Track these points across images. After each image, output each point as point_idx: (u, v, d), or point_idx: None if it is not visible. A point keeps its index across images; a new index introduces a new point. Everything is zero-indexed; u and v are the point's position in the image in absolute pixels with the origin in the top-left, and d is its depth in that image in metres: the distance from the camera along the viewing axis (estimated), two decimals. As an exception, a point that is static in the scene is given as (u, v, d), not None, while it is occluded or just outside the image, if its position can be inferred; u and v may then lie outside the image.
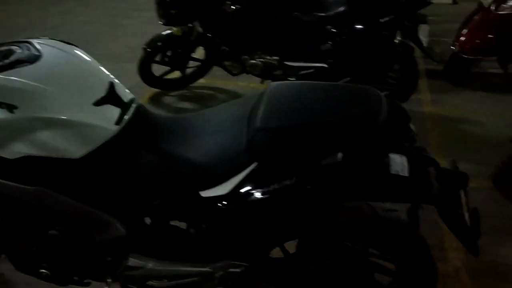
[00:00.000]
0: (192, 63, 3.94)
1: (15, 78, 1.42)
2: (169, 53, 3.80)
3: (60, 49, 1.57)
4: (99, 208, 1.58)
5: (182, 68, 3.88)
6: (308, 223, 1.56)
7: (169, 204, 1.54)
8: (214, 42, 3.62)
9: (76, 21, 6.01)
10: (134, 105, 1.59)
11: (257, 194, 1.41)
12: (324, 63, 3.42)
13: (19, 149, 1.46)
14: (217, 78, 4.15)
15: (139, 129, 1.54)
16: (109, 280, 1.78)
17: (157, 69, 3.91)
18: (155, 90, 4.02)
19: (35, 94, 1.42)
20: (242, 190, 1.43)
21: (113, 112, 1.50)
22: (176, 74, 3.96)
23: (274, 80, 3.66)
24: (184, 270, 1.60)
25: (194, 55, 3.89)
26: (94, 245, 1.66)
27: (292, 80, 3.53)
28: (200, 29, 3.59)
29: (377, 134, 1.41)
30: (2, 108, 1.38)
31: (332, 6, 3.38)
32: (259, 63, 3.55)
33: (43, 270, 1.73)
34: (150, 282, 1.67)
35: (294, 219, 1.54)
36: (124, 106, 1.55)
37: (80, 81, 1.52)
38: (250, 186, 1.43)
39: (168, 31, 3.73)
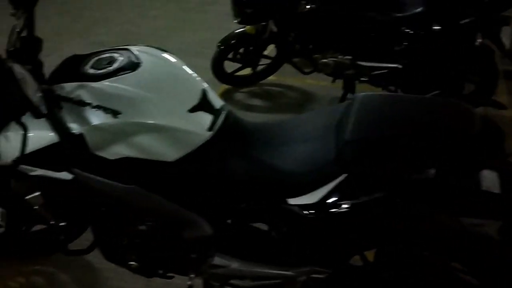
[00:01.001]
0: (262, 61, 3.99)
1: (119, 85, 1.51)
2: (241, 51, 3.86)
3: (157, 56, 1.66)
4: (188, 208, 1.66)
5: (253, 66, 3.94)
6: (392, 233, 1.57)
7: (254, 208, 1.59)
8: (286, 41, 3.65)
9: (148, 15, 6.19)
10: (224, 112, 1.65)
11: (346, 205, 1.44)
12: (398, 64, 3.37)
13: (119, 150, 1.55)
14: (286, 76, 4.18)
15: (229, 135, 1.60)
16: (192, 275, 1.87)
17: (229, 66, 3.99)
18: (226, 86, 4.10)
19: (136, 100, 1.51)
20: (331, 200, 1.46)
21: (206, 118, 1.57)
22: (246, 71, 4.03)
23: (345, 80, 3.66)
24: (268, 272, 1.65)
25: (265, 53, 3.94)
26: (182, 242, 1.74)
27: (364, 79, 3.52)
28: (274, 28, 3.62)
29: (469, 150, 1.40)
30: (107, 113, 1.48)
31: (409, 6, 3.32)
32: (331, 62, 3.55)
33: (133, 262, 1.83)
34: (233, 281, 1.74)
35: (379, 229, 1.55)
36: (215, 112, 1.62)
37: (176, 88, 1.60)
38: (339, 197, 1.46)
39: (241, 29, 3.79)
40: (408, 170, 1.41)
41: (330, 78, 3.71)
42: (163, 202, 1.65)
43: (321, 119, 1.60)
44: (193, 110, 1.55)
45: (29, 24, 1.68)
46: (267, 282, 1.68)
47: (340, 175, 1.44)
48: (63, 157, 1.61)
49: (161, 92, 1.56)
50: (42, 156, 1.60)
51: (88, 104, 1.49)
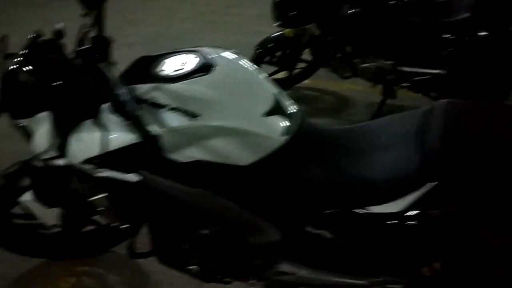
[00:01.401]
0: (298, 64, 3.96)
1: (196, 87, 1.49)
2: (278, 54, 3.84)
3: (228, 59, 1.63)
4: (257, 213, 1.63)
5: (290, 69, 3.91)
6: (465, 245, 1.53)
7: (327, 216, 1.56)
8: (326, 44, 3.62)
9: (175, 17, 6.19)
10: (299, 116, 1.62)
11: (433, 215, 1.40)
12: (442, 69, 3.33)
13: (193, 153, 1.53)
14: (321, 79, 4.15)
15: (304, 140, 1.57)
16: (252, 281, 1.84)
17: (265, 69, 3.96)
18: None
19: (214, 103, 1.49)
20: (416, 209, 1.42)
21: (280, 123, 1.55)
22: (282, 74, 4.00)
23: (385, 85, 3.62)
24: (339, 281, 1.62)
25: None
26: (247, 247, 1.71)
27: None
28: (316, 31, 3.59)
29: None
30: (185, 115, 1.45)
31: (454, 11, 3.27)
32: (372, 67, 3.51)
33: (193, 267, 1.81)
34: (298, 289, 1.71)
35: (456, 240, 1.51)
36: (289, 117, 1.59)
37: (250, 91, 1.58)
38: (424, 206, 1.42)
39: (279, 33, 3.77)
40: (502, 181, 1.37)
41: (366, 83, 3.67)
42: (231, 207, 1.62)
43: (398, 126, 1.57)
44: (268, 114, 1.53)
45: (99, 23, 1.67)
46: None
47: (425, 183, 1.41)
48: (133, 159, 1.59)
49: (236, 95, 1.54)
50: (112, 158, 1.58)
51: (165, 106, 1.47)
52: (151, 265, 2.32)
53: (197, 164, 1.55)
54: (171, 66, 1.56)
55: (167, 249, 1.85)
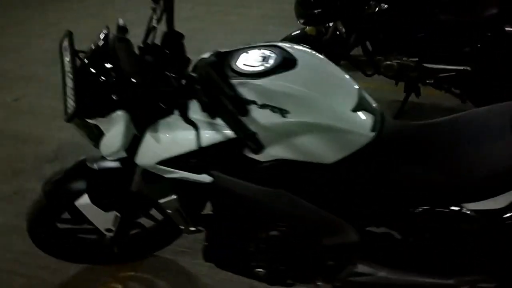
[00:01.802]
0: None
1: (284, 83, 1.43)
2: None
3: (308, 53, 1.58)
4: (335, 213, 1.58)
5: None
6: None
7: (417, 214, 1.51)
8: (350, 42, 3.58)
9: (179, 17, 6.09)
10: (381, 112, 1.57)
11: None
12: (467, 66, 3.32)
13: (276, 152, 1.47)
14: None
15: (391, 136, 1.52)
16: (319, 283, 1.79)
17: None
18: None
19: (303, 99, 1.44)
20: None
21: (368, 118, 1.49)
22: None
23: (408, 82, 3.60)
24: (425, 281, 1.57)
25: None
26: (321, 249, 1.66)
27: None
28: (342, 29, 3.55)
29: None
30: (275, 112, 1.39)
31: (481, 8, 3.27)
32: (395, 64, 3.48)
33: (260, 270, 1.75)
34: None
35: None
36: (373, 113, 1.54)
37: (336, 86, 1.53)
38: None
39: (300, 31, 3.72)
40: None
41: (386, 80, 3.64)
42: (309, 207, 1.56)
43: (486, 119, 1.53)
44: (355, 109, 1.48)
45: (169, 18, 1.61)
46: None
47: None
48: (212, 159, 1.52)
49: (323, 90, 1.49)
50: (190, 158, 1.52)
51: (253, 102, 1.40)
52: (197, 268, 2.28)
53: (278, 163, 1.50)
54: (250, 61, 1.49)
55: (232, 253, 1.78)
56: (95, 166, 1.86)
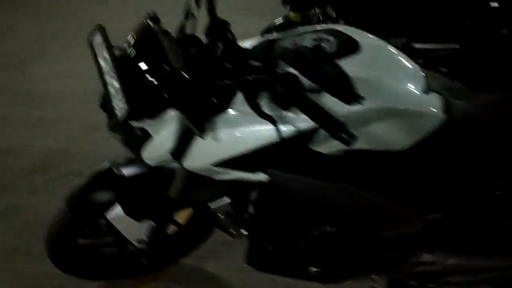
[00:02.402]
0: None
1: (353, 68, 1.33)
2: None
3: (366, 35, 1.48)
4: (400, 203, 1.50)
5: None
6: None
7: (498, 197, 1.45)
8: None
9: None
10: (444, 93, 1.49)
11: None
12: (456, 44, 3.33)
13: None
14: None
15: (459, 117, 1.44)
16: (374, 276, 1.72)
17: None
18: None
19: (376, 83, 1.34)
20: None
21: (438, 100, 1.41)
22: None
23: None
24: (496, 264, 1.52)
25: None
26: (380, 242, 1.58)
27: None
28: (331, 13, 3.48)
29: None
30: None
31: (467, -16, 3.28)
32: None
33: (313, 269, 1.66)
34: (447, 278, 1.60)
35: None
36: (441, 94, 1.45)
37: (402, 69, 1.43)
38: None
39: (280, 18, 3.62)
40: None
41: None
42: (370, 200, 1.48)
43: None
44: (425, 91, 1.39)
45: (210, 4, 1.47)
46: (488, 274, 1.55)
47: None
48: (264, 156, 1.40)
49: (393, 73, 1.39)
50: (254, 156, 1.39)
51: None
52: (224, 272, 2.17)
53: (344, 155, 1.39)
54: (307, 47, 1.38)
55: (282, 254, 1.68)
56: (124, 173, 1.69)
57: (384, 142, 1.37)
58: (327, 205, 1.51)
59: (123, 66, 1.35)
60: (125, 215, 1.69)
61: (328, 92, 1.18)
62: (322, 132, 1.33)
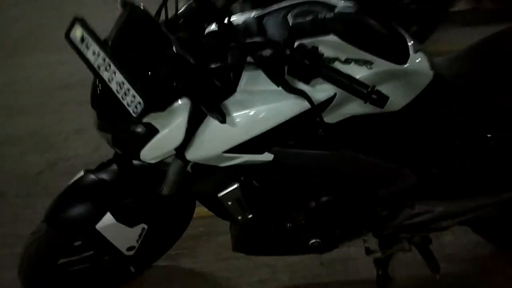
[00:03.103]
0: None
1: None
2: None
3: (346, 5, 1.51)
4: (393, 161, 1.57)
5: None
6: None
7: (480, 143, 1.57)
8: None
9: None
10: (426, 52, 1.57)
11: None
12: None
13: (350, 110, 1.40)
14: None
15: (442, 72, 1.53)
16: (365, 237, 1.80)
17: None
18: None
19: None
20: None
21: (425, 58, 1.47)
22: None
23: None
24: (479, 204, 1.67)
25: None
26: (378, 200, 1.65)
27: None
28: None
29: None
30: (361, 65, 1.30)
31: None
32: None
33: (314, 240, 1.69)
34: (436, 224, 1.72)
35: None
36: (424, 52, 1.53)
37: (390, 32, 1.48)
38: None
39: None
40: None
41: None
42: (370, 162, 1.53)
43: None
44: (416, 50, 1.45)
45: None
46: (472, 214, 1.70)
47: None
48: (274, 135, 1.39)
49: (386, 35, 1.44)
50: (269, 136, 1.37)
51: (336, 59, 1.28)
52: (203, 266, 2.12)
53: (347, 122, 1.43)
54: (303, 18, 1.38)
55: (279, 234, 1.69)
56: (106, 178, 1.57)
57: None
58: (330, 174, 1.54)
59: (122, 57, 1.24)
60: (117, 223, 1.57)
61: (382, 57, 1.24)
62: (335, 101, 1.35)
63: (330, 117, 1.41)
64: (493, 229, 2.01)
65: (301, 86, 1.30)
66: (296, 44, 1.25)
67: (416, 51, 1.46)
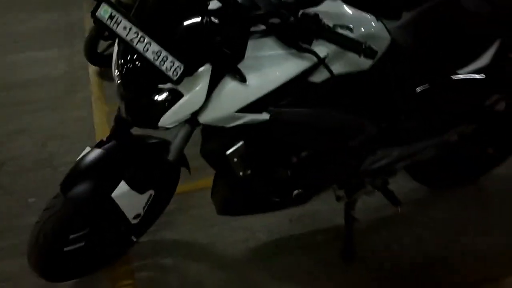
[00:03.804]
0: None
1: (336, 6, 1.64)
2: None
3: None
4: (360, 114, 1.89)
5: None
6: None
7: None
8: None
9: None
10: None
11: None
12: None
13: (335, 69, 1.67)
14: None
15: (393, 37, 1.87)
16: (335, 187, 2.11)
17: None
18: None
19: (353, 16, 1.66)
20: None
21: (383, 25, 1.78)
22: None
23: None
24: (429, 142, 2.05)
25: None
26: (349, 151, 1.96)
27: None
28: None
29: None
30: (344, 30, 1.58)
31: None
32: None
33: (297, 191, 1.95)
34: (392, 166, 2.07)
35: None
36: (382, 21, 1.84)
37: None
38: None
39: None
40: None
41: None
42: (346, 117, 1.82)
43: None
44: (378, 19, 1.76)
45: None
46: (422, 154, 2.08)
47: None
48: (274, 95, 1.62)
49: (355, 6, 1.72)
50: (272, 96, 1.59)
51: (327, 26, 1.52)
52: (189, 235, 2.28)
53: (330, 81, 1.70)
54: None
55: (272, 186, 1.91)
56: (113, 150, 1.70)
57: (358, 64, 1.72)
58: (311, 129, 1.81)
59: (152, 27, 1.40)
60: (130, 190, 1.69)
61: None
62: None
63: (317, 77, 1.67)
64: (425, 174, 2.45)
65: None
66: (300, 13, 1.50)
67: (378, 21, 1.79)
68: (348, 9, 1.69)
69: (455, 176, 2.53)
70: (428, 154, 2.11)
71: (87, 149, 1.73)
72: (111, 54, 3.69)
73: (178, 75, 1.38)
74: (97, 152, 1.71)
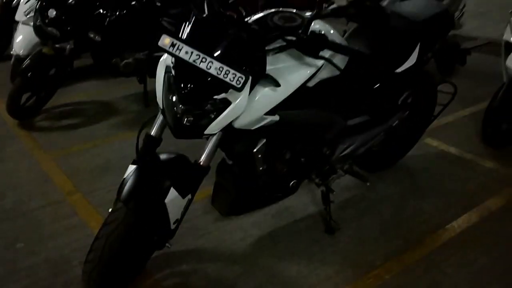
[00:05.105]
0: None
1: (324, 27, 2.13)
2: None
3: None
4: (335, 111, 2.37)
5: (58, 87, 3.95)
6: None
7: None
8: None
9: None
10: None
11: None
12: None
13: (321, 75, 2.13)
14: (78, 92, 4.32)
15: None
16: (313, 176, 2.56)
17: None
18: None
19: (331, 33, 2.15)
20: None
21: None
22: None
23: (143, 75, 4.17)
24: (380, 128, 2.61)
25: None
26: (325, 143, 2.42)
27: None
28: (97, 38, 3.76)
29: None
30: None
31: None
32: (131, 61, 3.99)
33: (293, 182, 2.35)
34: (356, 152, 2.58)
35: None
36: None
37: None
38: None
39: (34, 53, 3.72)
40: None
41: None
42: (326, 114, 2.30)
43: None
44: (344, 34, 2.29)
45: None
46: (376, 139, 2.63)
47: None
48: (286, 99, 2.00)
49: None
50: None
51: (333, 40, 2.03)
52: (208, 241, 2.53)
53: (318, 85, 2.14)
54: (286, 21, 2.00)
55: (276, 179, 2.27)
56: (155, 161, 1.95)
57: (332, 71, 2.20)
58: (307, 125, 2.24)
59: (207, 50, 1.74)
60: (178, 196, 1.91)
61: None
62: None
63: (311, 82, 2.12)
64: (366, 161, 3.03)
65: (307, 58, 2.01)
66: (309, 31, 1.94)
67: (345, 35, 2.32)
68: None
69: (386, 160, 3.16)
70: (380, 138, 2.68)
71: (132, 166, 1.95)
72: (32, 107, 3.80)
73: (241, 83, 1.73)
74: (142, 168, 1.93)
